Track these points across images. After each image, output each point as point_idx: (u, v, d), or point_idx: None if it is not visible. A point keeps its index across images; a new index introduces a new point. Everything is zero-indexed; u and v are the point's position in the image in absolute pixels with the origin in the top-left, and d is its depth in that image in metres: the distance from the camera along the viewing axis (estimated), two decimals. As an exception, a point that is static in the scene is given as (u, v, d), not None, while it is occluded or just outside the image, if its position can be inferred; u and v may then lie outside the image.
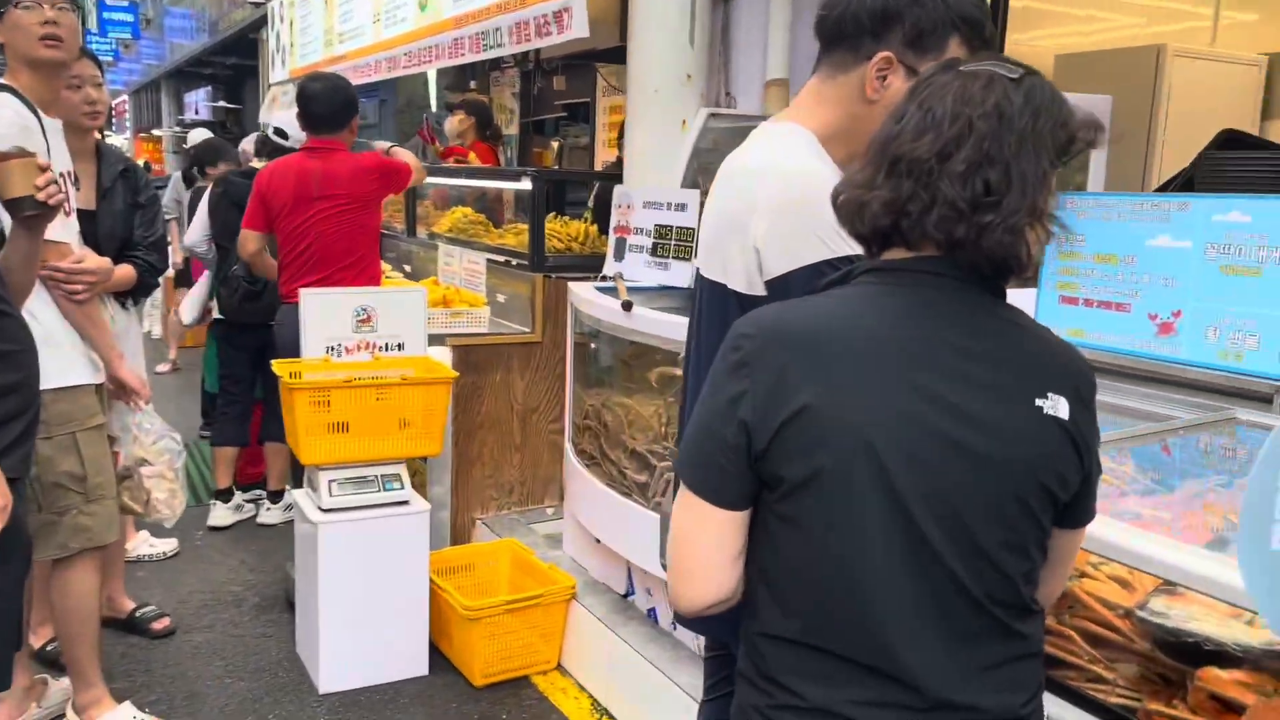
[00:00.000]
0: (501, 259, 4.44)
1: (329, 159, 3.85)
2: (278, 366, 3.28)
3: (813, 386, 1.08)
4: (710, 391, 1.16)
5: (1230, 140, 2.76)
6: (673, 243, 3.52)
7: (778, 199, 1.53)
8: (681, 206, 3.50)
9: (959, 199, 1.05)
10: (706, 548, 1.16)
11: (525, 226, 4.57)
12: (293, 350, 3.53)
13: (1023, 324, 1.14)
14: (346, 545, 3.18)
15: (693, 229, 3.43)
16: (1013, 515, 1.08)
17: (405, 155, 4.10)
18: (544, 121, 9.22)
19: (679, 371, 2.91)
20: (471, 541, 4.06)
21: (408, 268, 5.58)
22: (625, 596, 3.34)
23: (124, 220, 3.14)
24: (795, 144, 1.60)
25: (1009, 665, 1.12)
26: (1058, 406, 1.09)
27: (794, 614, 1.12)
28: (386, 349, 3.47)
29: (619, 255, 3.76)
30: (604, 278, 3.66)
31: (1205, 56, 4.49)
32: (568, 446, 3.61)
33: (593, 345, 3.47)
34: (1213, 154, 2.57)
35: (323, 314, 3.38)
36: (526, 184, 4.13)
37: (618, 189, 3.81)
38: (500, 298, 4.36)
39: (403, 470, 3.29)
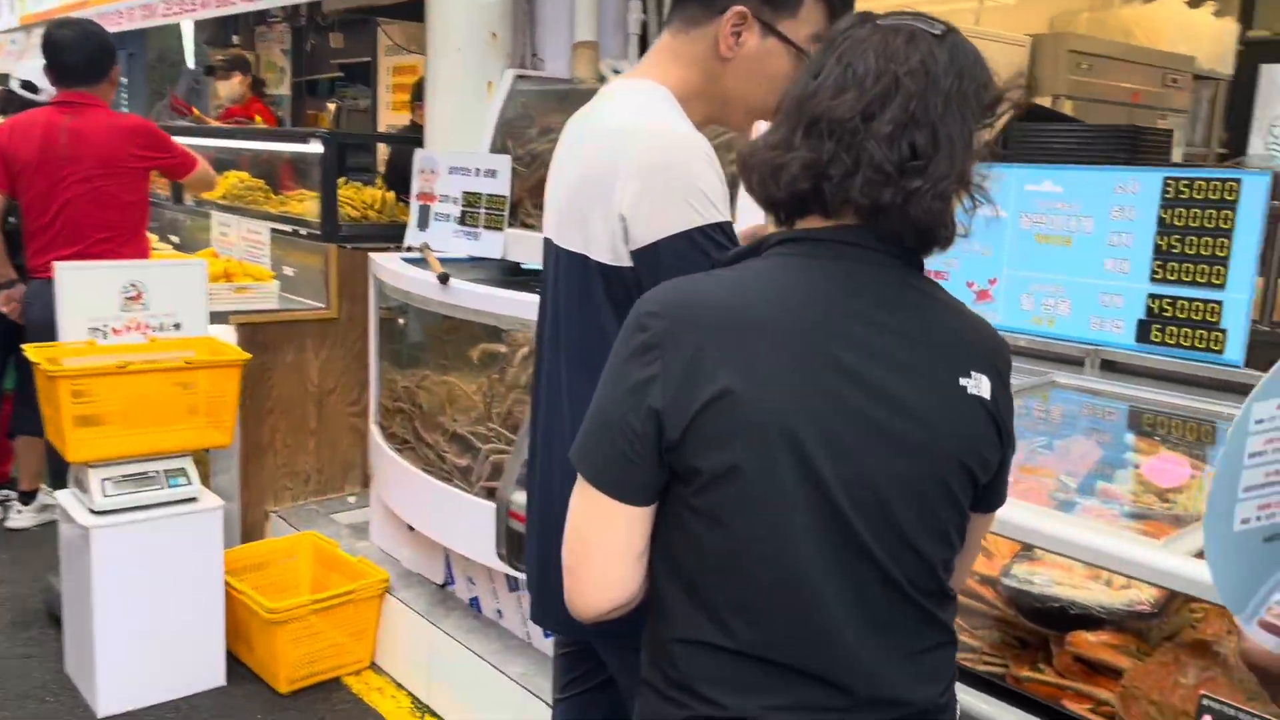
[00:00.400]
0: (287, 229, 4.10)
1: (82, 115, 3.41)
2: (32, 352, 2.87)
3: (731, 369, 0.98)
4: (612, 377, 1.04)
5: (1030, 114, 2.89)
6: (483, 211, 3.34)
7: (644, 162, 1.41)
8: (492, 173, 3.33)
9: (886, 162, 0.98)
10: (610, 547, 1.04)
11: (312, 193, 4.24)
12: (45, 332, 3.09)
13: (941, 298, 1.08)
14: (126, 551, 2.83)
15: (505, 197, 3.27)
16: (935, 499, 1.03)
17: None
18: (317, 82, 8.68)
19: (504, 348, 2.76)
20: (265, 536, 3.75)
21: (175, 238, 5.08)
22: (444, 586, 3.17)
23: None
24: (657, 103, 1.50)
25: (928, 654, 1.07)
26: (980, 385, 1.04)
27: (719, 616, 1.03)
28: (162, 329, 3.11)
29: (423, 224, 3.54)
30: (409, 248, 3.43)
31: (980, 35, 4.73)
32: (373, 429, 3.38)
33: (401, 321, 3.25)
34: (1020, 126, 2.67)
35: (83, 291, 2.98)
36: (316, 146, 3.81)
37: (420, 153, 3.58)
38: (288, 271, 4.02)
39: (189, 464, 2.96)
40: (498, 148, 3.43)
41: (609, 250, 1.44)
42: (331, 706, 2.97)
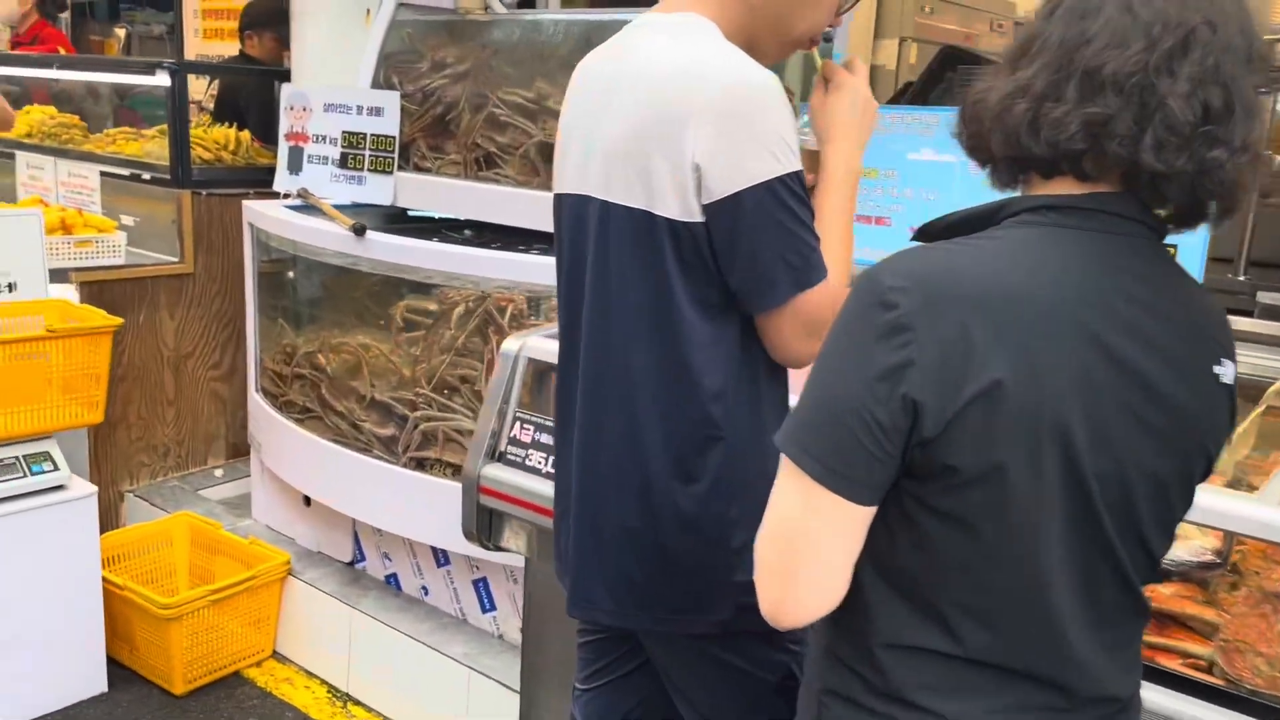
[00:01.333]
0: (123, 172, 3.61)
1: None
2: None
3: (1004, 356, 0.85)
4: (845, 360, 0.90)
5: (950, 57, 2.88)
6: (367, 153, 3.05)
7: (721, 108, 1.27)
8: (377, 111, 3.03)
9: (1184, 125, 0.86)
10: (835, 552, 0.91)
11: (148, 132, 3.77)
12: None
13: (1187, 275, 0.99)
14: (-17, 552, 2.45)
15: (393, 137, 2.98)
16: (1174, 493, 0.96)
17: None
18: (95, 3, 7.79)
19: (432, 305, 2.53)
20: (122, 520, 3.35)
21: (-38, 183, 4.40)
22: (353, 564, 2.93)
23: None
24: (715, 40, 1.35)
25: (1133, 643, 1.02)
26: (1228, 373, 0.97)
27: (944, 620, 0.93)
28: (-7, 292, 2.67)
29: (295, 167, 3.19)
30: (286, 194, 3.09)
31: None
32: (255, 397, 3.05)
33: (290, 275, 2.93)
34: (961, 69, 2.65)
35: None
36: (162, 79, 3.35)
37: (288, 89, 3.22)
38: (127, 220, 3.56)
39: (54, 447, 2.57)
40: (381, 83, 3.13)
41: (678, 205, 1.30)
42: (238, 704, 2.70)
